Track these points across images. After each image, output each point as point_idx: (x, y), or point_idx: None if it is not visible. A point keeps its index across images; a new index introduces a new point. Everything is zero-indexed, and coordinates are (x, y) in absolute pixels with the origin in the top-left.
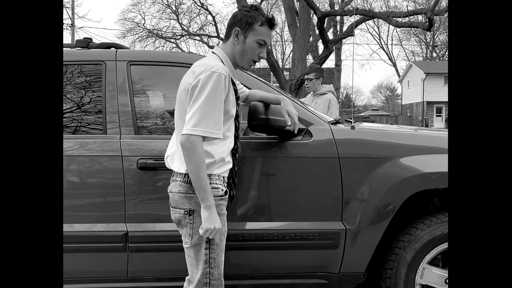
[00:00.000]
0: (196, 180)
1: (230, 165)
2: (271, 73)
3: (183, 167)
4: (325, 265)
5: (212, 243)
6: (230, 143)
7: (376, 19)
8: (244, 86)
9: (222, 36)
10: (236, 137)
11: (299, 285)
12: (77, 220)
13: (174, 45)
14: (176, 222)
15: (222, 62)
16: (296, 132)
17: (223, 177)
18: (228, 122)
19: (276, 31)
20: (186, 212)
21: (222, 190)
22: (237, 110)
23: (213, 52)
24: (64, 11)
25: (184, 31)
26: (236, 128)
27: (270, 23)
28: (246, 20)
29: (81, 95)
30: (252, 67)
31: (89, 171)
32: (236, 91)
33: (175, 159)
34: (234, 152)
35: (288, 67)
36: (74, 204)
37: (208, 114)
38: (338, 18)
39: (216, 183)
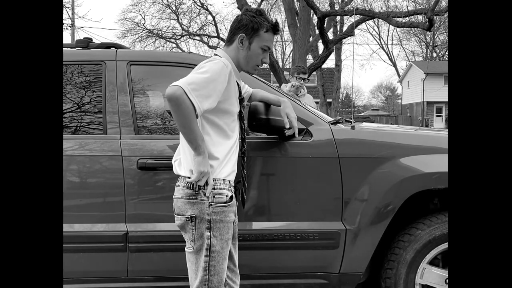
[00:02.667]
0: (189, 132)
1: (235, 168)
2: (271, 73)
3: (188, 171)
4: (325, 265)
5: (213, 250)
6: (234, 144)
7: (376, 19)
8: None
9: (222, 36)
10: (243, 140)
11: (299, 285)
12: (77, 220)
13: (174, 45)
14: (180, 228)
15: None
16: (296, 135)
17: (229, 181)
18: (230, 120)
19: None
20: (188, 219)
21: (227, 196)
22: (241, 112)
23: (215, 54)
24: (64, 11)
25: (184, 31)
26: (242, 130)
27: (275, 29)
28: (252, 26)
29: (81, 95)
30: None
31: (89, 171)
32: (240, 92)
33: (181, 163)
34: (242, 155)
35: (288, 67)
36: (74, 204)
37: (202, 85)
38: (338, 18)
39: (221, 188)
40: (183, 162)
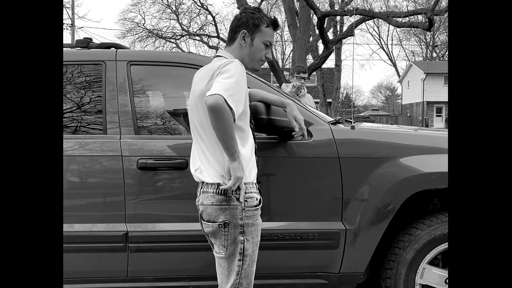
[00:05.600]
0: (229, 139)
1: (256, 170)
2: (271, 73)
3: (216, 177)
4: (325, 265)
5: (246, 254)
6: (253, 144)
7: (376, 19)
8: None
9: (222, 36)
10: (254, 139)
11: (299, 285)
12: (77, 220)
13: (174, 45)
14: (210, 234)
15: None
16: (306, 136)
17: (255, 184)
18: (248, 121)
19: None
20: (221, 225)
21: (257, 199)
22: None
23: (218, 56)
24: (64, 11)
25: (184, 31)
26: (252, 130)
27: (275, 24)
28: (253, 22)
29: (81, 95)
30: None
31: (89, 171)
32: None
33: (203, 170)
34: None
35: (288, 67)
36: (74, 204)
37: (235, 90)
38: (338, 18)
39: (251, 192)
40: (208, 169)
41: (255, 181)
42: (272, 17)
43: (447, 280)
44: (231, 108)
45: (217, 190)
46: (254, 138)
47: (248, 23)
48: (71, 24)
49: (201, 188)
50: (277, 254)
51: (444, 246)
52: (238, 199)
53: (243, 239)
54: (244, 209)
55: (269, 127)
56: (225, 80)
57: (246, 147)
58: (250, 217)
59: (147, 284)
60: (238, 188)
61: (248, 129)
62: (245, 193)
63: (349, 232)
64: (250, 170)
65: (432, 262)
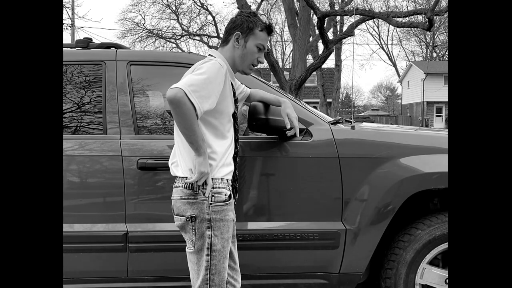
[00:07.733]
0: (190, 134)
1: (233, 167)
2: (271, 73)
3: (185, 171)
4: (325, 265)
5: (214, 249)
6: (230, 143)
7: (376, 19)
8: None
9: (222, 36)
10: (236, 140)
11: (299, 285)
12: (77, 220)
13: (174, 45)
14: (180, 228)
15: None
16: (298, 135)
17: (227, 180)
18: (226, 120)
19: (276, 31)
20: (188, 219)
21: (226, 194)
22: (235, 113)
23: (210, 55)
24: (64, 11)
25: (184, 31)
26: (236, 131)
27: (269, 29)
28: (247, 25)
29: (81, 95)
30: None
31: (89, 171)
32: (234, 93)
33: (178, 164)
34: (234, 156)
35: (288, 67)
36: (74, 204)
37: (202, 86)
38: (338, 18)
39: (220, 187)
40: (181, 163)
41: (227, 177)
42: (267, 22)
43: (447, 280)
44: (193, 104)
45: (185, 184)
46: (237, 139)
47: (243, 25)
48: (71, 24)
49: (174, 182)
50: (277, 254)
51: (444, 246)
52: (205, 194)
53: (210, 233)
54: (211, 204)
55: (269, 127)
56: (194, 76)
57: (220, 144)
58: (217, 212)
59: (147, 284)
60: (206, 183)
61: (225, 128)
62: (213, 188)
63: (349, 232)
64: (220, 166)
65: (432, 262)
